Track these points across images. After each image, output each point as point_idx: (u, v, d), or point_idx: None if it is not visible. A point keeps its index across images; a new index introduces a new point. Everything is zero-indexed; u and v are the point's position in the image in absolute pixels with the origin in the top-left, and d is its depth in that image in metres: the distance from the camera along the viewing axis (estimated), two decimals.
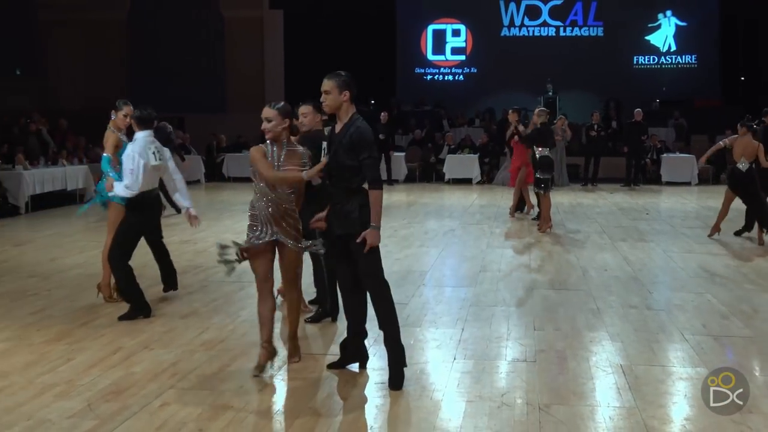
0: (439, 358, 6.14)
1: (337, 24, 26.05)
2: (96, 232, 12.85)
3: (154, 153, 7.25)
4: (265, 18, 24.87)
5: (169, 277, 8.05)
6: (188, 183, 9.05)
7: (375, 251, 5.42)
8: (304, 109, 6.91)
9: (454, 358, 6.09)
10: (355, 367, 5.81)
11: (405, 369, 5.52)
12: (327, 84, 5.50)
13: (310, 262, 7.11)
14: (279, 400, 5.35)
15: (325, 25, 25.99)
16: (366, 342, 5.93)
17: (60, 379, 5.53)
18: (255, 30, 24.87)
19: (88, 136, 18.43)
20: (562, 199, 16.99)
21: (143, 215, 7.35)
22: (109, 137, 7.83)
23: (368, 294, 5.63)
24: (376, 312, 5.56)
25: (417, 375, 5.68)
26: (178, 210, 14.59)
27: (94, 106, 21.27)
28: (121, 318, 7.15)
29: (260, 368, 5.66)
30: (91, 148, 18.17)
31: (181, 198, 7.74)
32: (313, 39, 25.83)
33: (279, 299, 6.95)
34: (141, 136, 7.25)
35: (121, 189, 7.13)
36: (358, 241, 5.31)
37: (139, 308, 7.24)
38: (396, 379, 5.45)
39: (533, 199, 13.72)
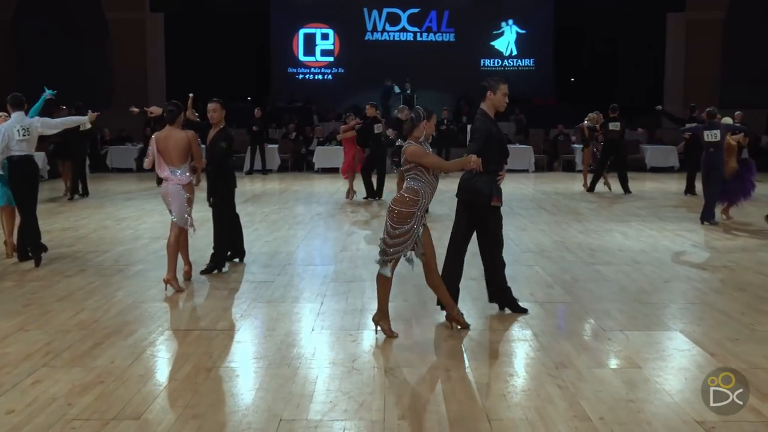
0: (298, 330, 6.12)
1: (216, 26, 25.45)
2: None
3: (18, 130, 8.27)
4: (147, 20, 24.13)
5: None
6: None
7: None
8: (214, 106, 7.97)
9: (312, 329, 6.08)
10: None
11: (270, 340, 5.61)
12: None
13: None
14: (148, 373, 5.17)
15: (204, 27, 25.34)
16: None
17: None
18: (138, 31, 24.10)
19: None
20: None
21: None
22: None
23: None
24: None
25: (278, 346, 5.64)
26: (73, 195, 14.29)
27: None
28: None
29: None
30: None
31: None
32: (193, 40, 25.14)
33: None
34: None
35: None
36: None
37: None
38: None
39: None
